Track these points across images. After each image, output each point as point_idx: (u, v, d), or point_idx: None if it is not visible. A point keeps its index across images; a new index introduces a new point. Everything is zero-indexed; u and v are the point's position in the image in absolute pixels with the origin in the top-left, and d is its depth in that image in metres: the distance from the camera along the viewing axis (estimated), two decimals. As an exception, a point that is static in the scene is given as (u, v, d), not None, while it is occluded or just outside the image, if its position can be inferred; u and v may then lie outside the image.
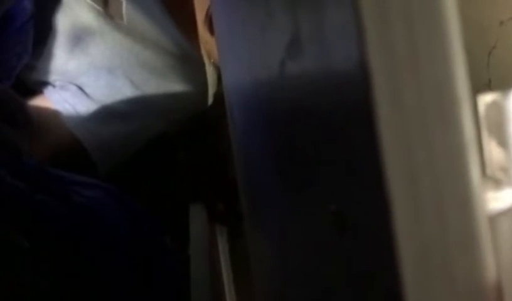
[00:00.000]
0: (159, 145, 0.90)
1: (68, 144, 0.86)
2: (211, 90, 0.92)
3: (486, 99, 0.28)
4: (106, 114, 0.88)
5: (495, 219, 0.29)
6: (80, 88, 0.89)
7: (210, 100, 0.92)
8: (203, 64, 0.91)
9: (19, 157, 0.66)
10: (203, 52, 0.92)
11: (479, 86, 0.83)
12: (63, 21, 0.89)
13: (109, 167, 0.87)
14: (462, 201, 0.22)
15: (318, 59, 0.26)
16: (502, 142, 0.28)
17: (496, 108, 0.28)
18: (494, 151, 0.28)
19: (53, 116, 0.87)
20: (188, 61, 0.92)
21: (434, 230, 0.22)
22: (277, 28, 0.33)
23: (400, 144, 0.22)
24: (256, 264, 0.57)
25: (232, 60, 0.56)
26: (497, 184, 0.28)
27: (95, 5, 0.90)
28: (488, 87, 0.84)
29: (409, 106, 0.22)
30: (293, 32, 0.29)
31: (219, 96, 0.90)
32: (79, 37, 0.89)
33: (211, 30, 0.87)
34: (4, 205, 0.58)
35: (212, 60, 0.91)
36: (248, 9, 0.43)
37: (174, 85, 0.91)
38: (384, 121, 0.21)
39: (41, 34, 0.89)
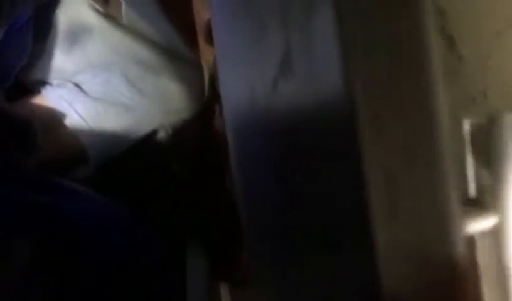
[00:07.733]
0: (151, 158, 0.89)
1: (67, 143, 0.87)
2: (206, 92, 0.93)
3: (472, 120, 0.29)
4: (103, 110, 0.88)
5: (478, 239, 0.29)
6: (77, 86, 0.90)
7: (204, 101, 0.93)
8: (200, 66, 0.92)
9: (19, 175, 0.67)
10: (201, 56, 0.93)
11: (475, 95, 0.84)
12: (61, 20, 0.89)
13: (101, 163, 0.87)
14: (441, 228, 0.23)
15: (306, 80, 0.27)
16: (486, 163, 0.29)
17: (481, 130, 0.29)
18: (478, 172, 0.29)
19: (51, 115, 0.87)
20: (185, 61, 0.93)
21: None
22: (271, 45, 0.34)
23: (380, 167, 0.23)
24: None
25: (230, 68, 0.56)
26: (481, 205, 0.29)
27: (95, 5, 0.90)
28: (484, 96, 0.84)
29: (390, 131, 0.23)
30: (285, 51, 0.30)
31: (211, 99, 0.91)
32: (76, 36, 0.90)
33: (208, 39, 0.87)
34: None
35: (209, 67, 0.92)
36: (244, 21, 0.44)
37: (170, 84, 0.91)
38: (366, 148, 0.22)
39: (40, 34, 0.89)
